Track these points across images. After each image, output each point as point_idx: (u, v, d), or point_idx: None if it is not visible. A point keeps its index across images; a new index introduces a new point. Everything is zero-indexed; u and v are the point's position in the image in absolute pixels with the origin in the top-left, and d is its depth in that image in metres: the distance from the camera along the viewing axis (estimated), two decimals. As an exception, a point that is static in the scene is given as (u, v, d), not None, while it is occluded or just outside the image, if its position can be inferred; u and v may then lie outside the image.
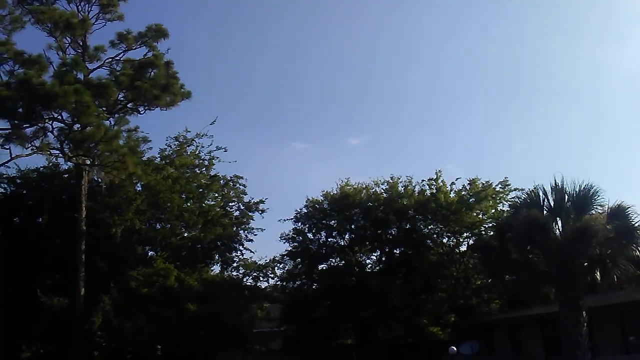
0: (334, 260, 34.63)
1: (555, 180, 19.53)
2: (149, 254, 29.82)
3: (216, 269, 32.24)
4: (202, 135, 31.96)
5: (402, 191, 33.95)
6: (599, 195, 18.76)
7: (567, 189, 19.38)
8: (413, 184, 34.08)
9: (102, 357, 27.53)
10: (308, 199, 34.40)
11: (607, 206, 18.76)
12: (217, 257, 31.99)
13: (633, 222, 18.09)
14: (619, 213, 18.29)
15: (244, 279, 32.50)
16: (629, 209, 18.36)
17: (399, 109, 75.43)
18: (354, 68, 76.11)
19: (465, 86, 74.67)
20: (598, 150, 73.93)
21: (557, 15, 73.35)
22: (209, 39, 74.01)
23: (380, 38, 75.61)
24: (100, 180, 26.09)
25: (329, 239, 34.64)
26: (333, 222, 34.37)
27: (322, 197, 34.38)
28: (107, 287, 25.74)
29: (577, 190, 18.91)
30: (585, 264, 18.66)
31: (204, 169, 32.44)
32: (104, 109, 25.36)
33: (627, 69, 68.72)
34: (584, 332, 17.74)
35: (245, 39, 77.40)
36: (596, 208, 18.87)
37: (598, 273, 17.97)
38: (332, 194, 34.27)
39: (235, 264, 32.35)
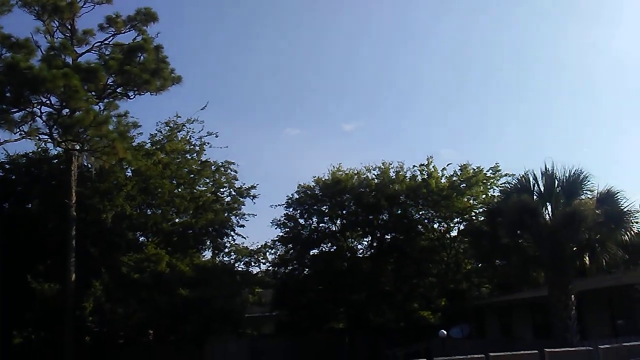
0: (325, 246, 34.71)
1: (545, 166, 19.69)
2: (140, 239, 29.73)
3: (208, 254, 32.27)
4: (193, 121, 31.79)
5: (394, 177, 34.00)
6: (588, 181, 18.95)
7: (557, 174, 19.53)
8: (404, 170, 34.13)
9: (93, 342, 27.56)
10: (300, 185, 34.39)
11: (596, 191, 18.96)
12: (208, 243, 31.97)
13: (622, 207, 18.28)
14: (608, 198, 18.46)
15: (236, 265, 32.53)
16: (618, 194, 18.58)
17: (391, 94, 75.35)
18: (346, 52, 75.83)
19: (456, 71, 74.62)
20: (589, 135, 74.39)
21: None
22: (199, 23, 73.31)
23: (370, 22, 75.25)
24: (90, 165, 25.89)
25: (321, 225, 34.69)
26: (325, 207, 34.40)
27: (313, 183, 34.36)
28: (98, 272, 25.68)
29: (567, 175, 19.07)
30: (575, 248, 18.84)
31: (195, 154, 32.28)
32: (93, 93, 25.06)
33: (618, 52, 68.95)
34: (572, 315, 17.98)
35: (237, 23, 76.81)
36: (586, 193, 19.05)
37: (587, 257, 18.14)
38: (323, 179, 34.25)
39: (226, 250, 32.36)
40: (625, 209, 18.25)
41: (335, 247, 34.34)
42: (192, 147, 32.14)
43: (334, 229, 34.59)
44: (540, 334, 21.67)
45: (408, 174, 33.95)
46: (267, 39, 75.89)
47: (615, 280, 19.55)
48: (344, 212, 34.30)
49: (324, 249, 34.54)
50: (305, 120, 75.77)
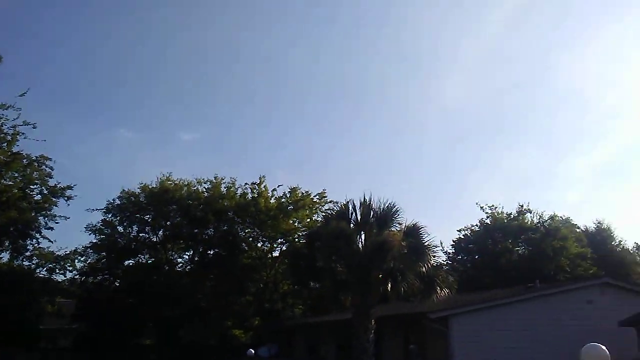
0: (143, 257, 33.11)
1: (364, 196, 20.88)
2: None
3: (5, 256, 28.77)
4: (8, 107, 28.36)
5: (225, 192, 33.79)
6: (398, 214, 20.43)
7: (373, 205, 20.80)
8: (236, 186, 34.11)
9: None
10: (124, 190, 32.51)
11: (404, 224, 20.51)
12: (7, 244, 28.54)
13: (424, 241, 19.98)
14: (413, 231, 20.07)
15: (37, 270, 29.42)
16: (422, 229, 20.26)
17: (236, 109, 75.20)
18: (190, 60, 74.17)
19: (300, 94, 77.08)
20: (408, 170, 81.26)
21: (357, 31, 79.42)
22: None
23: (206, 38, 74.47)
24: None
25: (141, 234, 33.12)
26: (148, 216, 32.91)
27: (139, 190, 32.73)
28: None
29: (381, 207, 20.40)
30: (380, 275, 20.13)
31: (5, 144, 28.79)
32: None
33: (445, 100, 76.90)
34: (371, 338, 19.10)
35: (81, 23, 71.06)
36: (395, 225, 20.51)
37: (390, 285, 19.47)
38: (151, 187, 32.80)
39: (28, 253, 29.16)
40: (426, 243, 19.95)
41: (153, 259, 32.91)
42: (3, 135, 28.65)
43: (155, 240, 33.20)
44: (341, 355, 22.74)
45: (239, 191, 34.01)
46: (113, 38, 71.37)
47: (411, 308, 21.26)
48: (168, 223, 33.14)
49: (140, 260, 32.91)
50: (142, 124, 72.38)
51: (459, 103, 77.35)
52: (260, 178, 34.25)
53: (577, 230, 40.42)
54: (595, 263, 36.39)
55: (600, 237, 41.58)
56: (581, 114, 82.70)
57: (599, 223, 43.32)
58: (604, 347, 8.47)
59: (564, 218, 39.97)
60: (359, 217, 21.03)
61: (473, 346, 18.03)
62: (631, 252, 45.54)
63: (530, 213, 39.04)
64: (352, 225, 21.01)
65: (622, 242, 43.13)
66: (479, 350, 17.93)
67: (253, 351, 23.91)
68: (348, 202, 21.64)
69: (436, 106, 78.04)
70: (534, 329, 18.67)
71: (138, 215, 32.64)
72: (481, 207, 39.65)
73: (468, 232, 40.16)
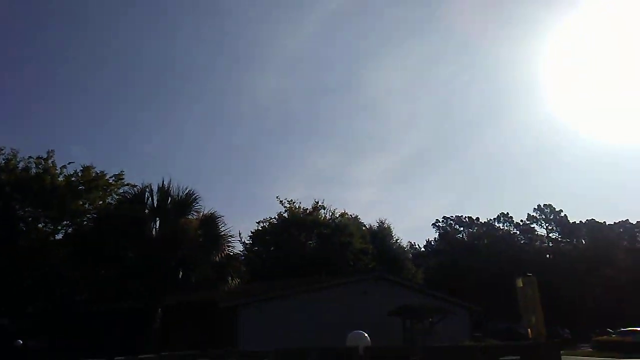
0: None
1: (163, 181, 20.29)
2: None
3: None
4: None
5: (3, 164, 29.85)
6: (197, 202, 20.29)
7: (172, 191, 20.34)
8: (18, 159, 30.33)
9: None
10: None
11: (202, 213, 20.43)
12: None
13: (220, 231, 20.15)
14: (210, 220, 20.12)
15: None
16: (220, 218, 20.44)
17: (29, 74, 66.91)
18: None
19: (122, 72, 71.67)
20: (218, 160, 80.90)
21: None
22: None
23: None
24: None
25: None
26: None
27: None
28: None
29: (180, 194, 20.06)
30: (174, 263, 19.79)
31: None
32: None
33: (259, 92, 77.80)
34: (159, 327, 18.67)
35: None
36: (193, 213, 20.33)
37: (182, 273, 19.26)
38: None
39: None
40: (222, 233, 20.15)
41: None
42: None
43: None
44: (127, 344, 21.70)
45: (21, 165, 30.29)
46: None
47: (203, 296, 21.24)
48: None
49: None
50: None
51: (271, 100, 79.28)
52: (48, 152, 31.03)
53: (363, 228, 44.29)
54: (375, 258, 40.22)
55: (381, 235, 46.07)
56: (376, 122, 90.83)
57: (381, 222, 48.03)
58: (366, 334, 9.46)
59: (353, 216, 43.54)
60: (155, 203, 20.42)
61: (260, 334, 18.68)
62: (405, 249, 51.41)
63: (324, 210, 41.76)
64: (147, 210, 20.32)
65: (398, 240, 48.38)
66: (267, 337, 18.61)
67: (21, 342, 21.60)
68: (146, 186, 20.88)
69: (249, 100, 78.98)
70: (318, 317, 19.92)
71: None
72: (281, 201, 41.23)
73: (266, 225, 41.40)
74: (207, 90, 79.39)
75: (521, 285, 14.36)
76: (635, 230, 77.99)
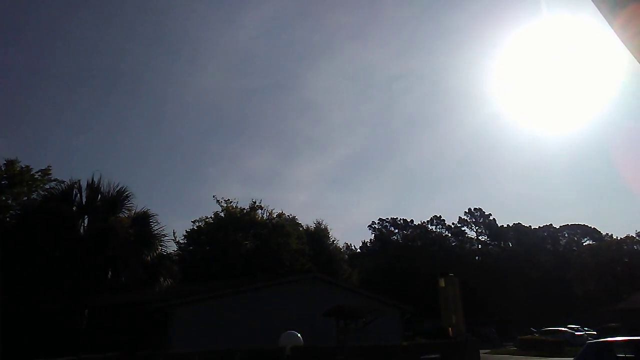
0: None
1: (93, 178, 19.52)
2: None
3: None
4: None
5: None
6: (129, 200, 19.66)
7: (102, 188, 19.62)
8: None
9: None
10: None
11: (134, 211, 19.80)
12: None
13: (153, 230, 19.60)
14: (143, 219, 19.54)
15: None
16: (153, 217, 19.88)
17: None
18: None
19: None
20: (158, 158, 78.70)
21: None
22: None
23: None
24: None
25: None
26: None
27: None
28: None
29: (111, 191, 19.37)
30: (103, 262, 19.06)
31: None
32: None
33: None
34: (84, 328, 17.93)
35: None
36: (124, 211, 19.67)
37: (111, 272, 18.59)
38: None
39: None
40: (155, 232, 19.60)
41: None
42: None
43: None
44: (49, 346, 20.72)
45: None
46: None
47: (133, 297, 20.56)
48: None
49: None
50: None
51: (209, 99, 78.02)
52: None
53: (300, 229, 44.32)
54: (312, 259, 40.34)
55: (318, 236, 46.29)
56: (315, 124, 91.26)
57: (318, 223, 48.26)
58: (298, 335, 9.44)
59: (290, 217, 43.47)
60: (84, 200, 19.64)
61: (193, 335, 18.26)
62: (341, 250, 51.91)
63: (261, 210, 41.46)
64: (75, 207, 19.52)
65: (335, 241, 48.77)
66: (199, 338, 18.26)
67: None
68: (74, 182, 20.04)
69: (188, 98, 77.41)
70: (254, 318, 19.68)
71: None
72: (218, 201, 40.61)
73: (202, 224, 40.65)
74: (143, 87, 77.27)
75: (443, 285, 14.67)
76: (558, 234, 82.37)
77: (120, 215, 19.53)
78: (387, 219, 73.41)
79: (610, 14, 2.05)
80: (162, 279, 19.03)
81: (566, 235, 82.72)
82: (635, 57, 2.28)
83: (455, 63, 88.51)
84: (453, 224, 74.24)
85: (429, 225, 73.31)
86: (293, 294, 21.49)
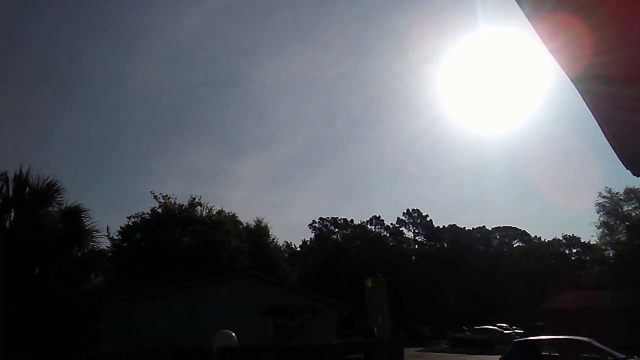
0: None
1: (20, 170, 18.55)
2: None
3: None
4: None
5: None
6: (60, 193, 18.79)
7: (31, 181, 18.66)
8: None
9: None
10: None
11: (65, 205, 18.96)
12: None
13: (84, 225, 18.80)
14: (74, 214, 18.72)
15: None
16: (85, 212, 19.06)
17: None
18: None
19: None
20: (96, 151, 75.77)
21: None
22: None
23: None
24: None
25: None
26: None
27: None
28: None
29: (40, 184, 18.47)
30: (30, 258, 18.15)
31: None
32: None
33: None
34: (10, 327, 17.02)
35: None
36: (54, 205, 18.82)
37: (38, 269, 17.73)
38: None
39: None
40: (87, 227, 18.83)
41: None
42: None
43: None
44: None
45: None
46: None
47: (62, 293, 19.71)
48: None
49: None
50: None
51: (149, 92, 75.99)
52: None
53: (240, 226, 43.90)
54: (251, 257, 40.03)
55: (258, 234, 46.02)
56: (257, 121, 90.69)
57: (258, 221, 47.99)
58: (233, 334, 9.31)
59: (230, 214, 42.97)
60: (10, 192, 18.65)
61: (123, 334, 17.66)
62: (281, 249, 51.85)
63: (201, 206, 40.72)
64: (0, 200, 18.50)
65: (275, 240, 48.64)
66: (132, 339, 17.66)
67: None
68: (1, 174, 18.99)
69: (126, 90, 75.12)
70: (190, 316, 19.21)
71: None
72: (155, 196, 39.56)
73: (138, 220, 39.49)
74: (80, 77, 74.29)
75: (370, 285, 14.82)
76: (490, 235, 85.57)
77: (50, 209, 18.66)
78: (328, 218, 73.94)
79: (539, 27, 2.14)
80: (93, 276, 18.31)
81: (498, 237, 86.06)
82: (561, 66, 2.37)
83: (399, 67, 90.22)
84: (392, 224, 75.65)
85: (369, 225, 74.37)
86: (231, 292, 21.21)
